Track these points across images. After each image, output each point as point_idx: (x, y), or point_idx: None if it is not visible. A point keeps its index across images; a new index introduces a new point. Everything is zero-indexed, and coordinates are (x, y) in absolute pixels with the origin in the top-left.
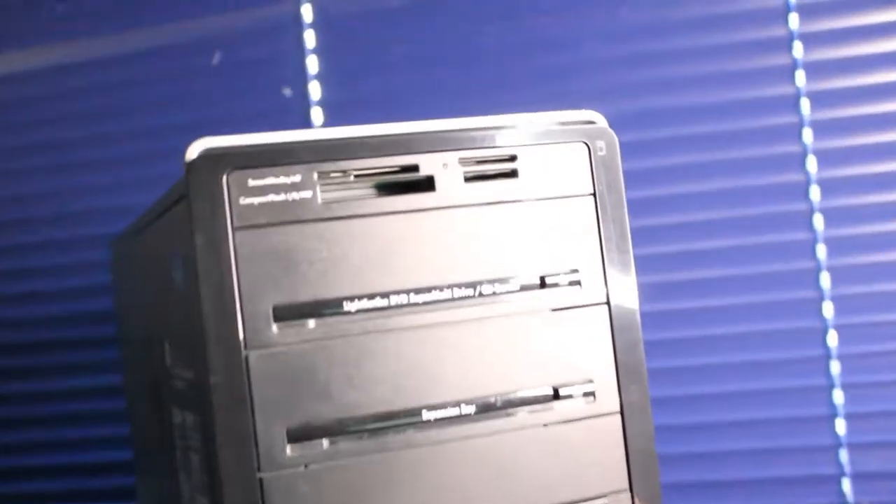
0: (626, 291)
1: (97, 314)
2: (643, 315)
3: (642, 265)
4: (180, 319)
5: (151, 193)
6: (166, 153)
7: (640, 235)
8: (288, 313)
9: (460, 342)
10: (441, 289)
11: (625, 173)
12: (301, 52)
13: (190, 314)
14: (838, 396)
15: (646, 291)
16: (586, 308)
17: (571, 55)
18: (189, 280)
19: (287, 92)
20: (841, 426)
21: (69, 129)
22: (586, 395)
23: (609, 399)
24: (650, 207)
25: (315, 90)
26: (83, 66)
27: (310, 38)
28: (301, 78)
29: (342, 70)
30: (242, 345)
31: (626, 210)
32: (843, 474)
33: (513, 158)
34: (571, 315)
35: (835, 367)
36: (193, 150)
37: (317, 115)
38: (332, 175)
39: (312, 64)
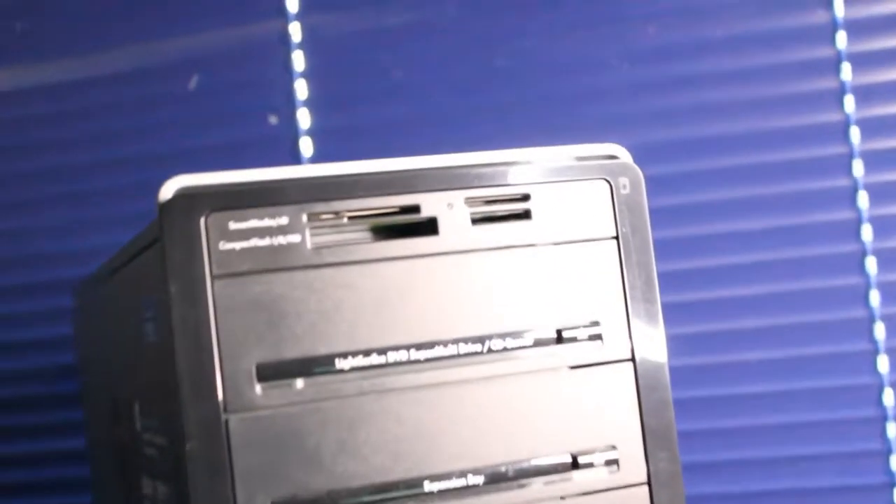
0: (654, 346)
1: (57, 369)
2: (672, 371)
3: (671, 316)
4: (152, 378)
5: (121, 235)
6: (137, 189)
7: (668, 282)
8: (273, 372)
9: (467, 404)
10: (445, 344)
11: (651, 213)
12: (289, 75)
13: (163, 372)
14: None
15: (675, 345)
16: (608, 365)
17: (591, 80)
18: (162, 333)
19: (273, 120)
20: None
21: (27, 160)
22: (609, 463)
23: (635, 468)
24: (679, 250)
25: (304, 118)
26: (45, 91)
27: (298, 60)
28: (289, 104)
29: (334, 96)
30: (222, 407)
31: (652, 254)
32: None
33: (526, 198)
34: (592, 373)
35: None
36: (168, 189)
37: (306, 145)
38: (324, 217)
39: (301, 89)
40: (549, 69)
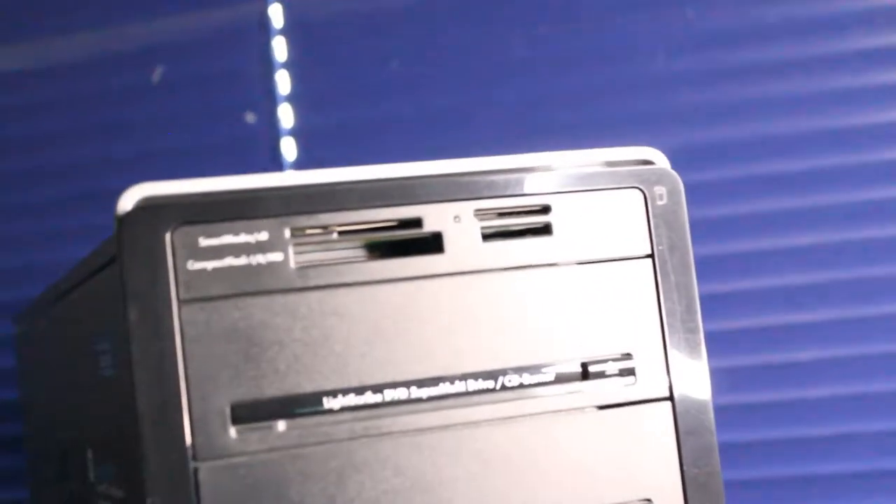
0: (696, 382)
1: None
2: (717, 412)
3: (715, 346)
4: (108, 419)
5: (72, 252)
6: (91, 199)
7: (711, 307)
8: (250, 413)
9: (477, 451)
10: (452, 380)
11: (692, 226)
12: (268, 66)
13: (121, 413)
14: None
15: (720, 381)
16: (643, 405)
17: (622, 73)
18: (120, 368)
19: (250, 118)
20: None
21: None
22: None
23: None
24: (724, 270)
25: (286, 116)
26: None
27: (280, 49)
28: (268, 100)
29: (321, 90)
30: (190, 454)
31: (693, 275)
32: None
33: (545, 210)
34: (623, 414)
35: None
36: (128, 200)
37: (289, 148)
38: (310, 232)
39: (283, 82)
40: (572, 60)
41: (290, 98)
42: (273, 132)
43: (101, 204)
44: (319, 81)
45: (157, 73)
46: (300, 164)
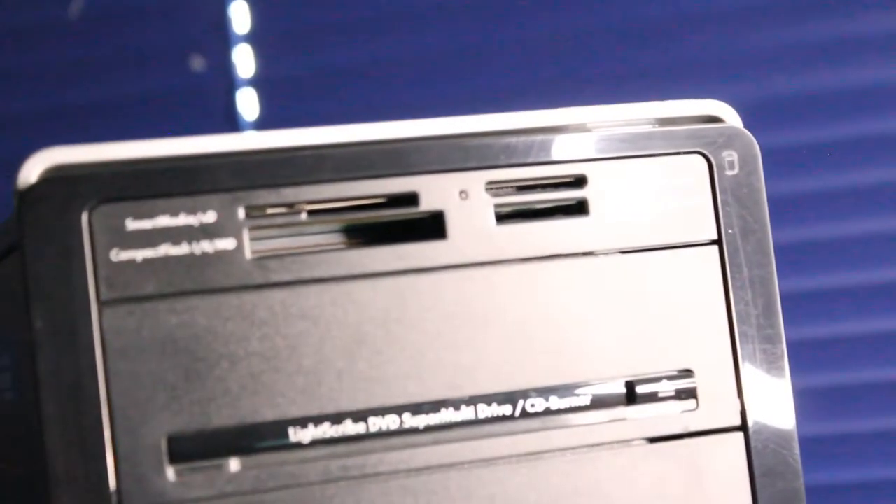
0: (776, 407)
1: None
2: (804, 444)
3: (800, 361)
4: (10, 455)
5: None
6: None
7: (794, 310)
8: (193, 448)
9: (490, 496)
10: (457, 405)
11: (771, 203)
12: None
13: (25, 447)
14: None
15: (806, 405)
16: (707, 437)
17: (675, 4)
18: (23, 390)
19: (196, 64)
20: None
21: None
22: None
23: None
24: (813, 261)
25: (243, 61)
26: None
27: None
28: (220, 41)
29: (288, 27)
30: (115, 500)
31: (773, 268)
32: None
33: (580, 182)
34: (681, 449)
35: None
36: (31, 169)
37: (246, 102)
38: (271, 212)
39: (239, 17)
40: None
41: (249, 38)
42: (225, 82)
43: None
44: (286, 16)
45: (75, 4)
46: (261, 123)
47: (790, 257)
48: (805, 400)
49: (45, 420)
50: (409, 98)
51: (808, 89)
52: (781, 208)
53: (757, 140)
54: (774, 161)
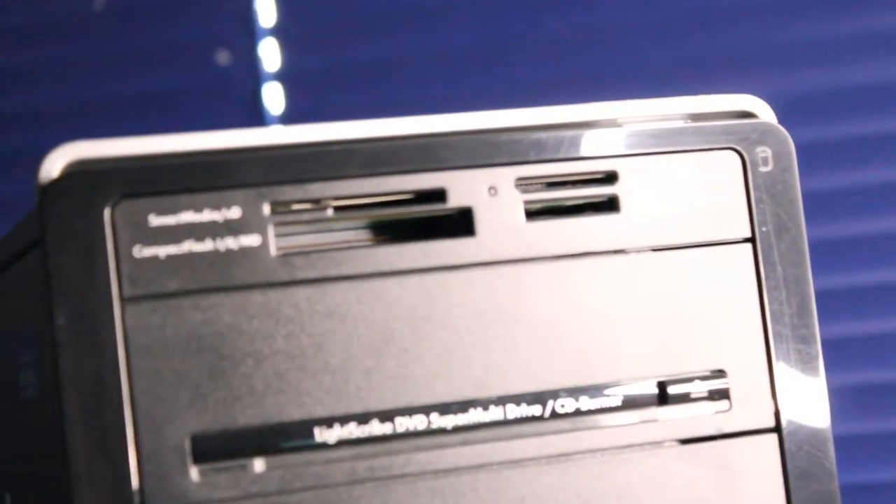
0: (811, 407)
1: None
2: (839, 444)
3: (834, 360)
4: (31, 454)
5: None
6: (10, 161)
7: (829, 308)
8: (217, 447)
9: (519, 498)
10: (485, 405)
11: (806, 200)
12: None
13: (48, 446)
14: None
15: (841, 404)
16: (740, 439)
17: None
18: (46, 388)
19: (222, 58)
20: None
21: None
22: None
23: None
24: (847, 256)
25: (269, 55)
26: None
27: None
28: (246, 35)
29: (315, 21)
30: (137, 501)
31: (808, 266)
32: None
33: (610, 178)
34: (714, 451)
35: None
36: (53, 163)
37: (272, 96)
38: (296, 208)
39: (265, 10)
40: None
41: (275, 31)
42: (251, 76)
43: (22, 168)
44: (312, 10)
45: (100, 0)
46: (287, 117)
47: (821, 255)
48: (837, 399)
49: (67, 418)
50: (436, 92)
51: (841, 86)
52: (815, 205)
53: (791, 136)
54: (808, 157)
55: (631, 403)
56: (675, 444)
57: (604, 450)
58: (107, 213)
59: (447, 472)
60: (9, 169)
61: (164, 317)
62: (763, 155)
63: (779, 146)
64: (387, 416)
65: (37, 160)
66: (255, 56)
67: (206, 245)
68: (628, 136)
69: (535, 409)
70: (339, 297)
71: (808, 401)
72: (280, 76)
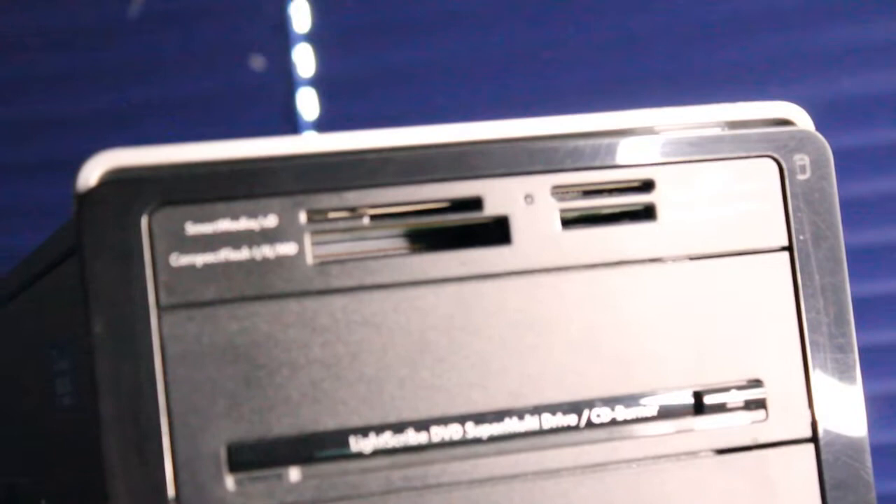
0: (848, 417)
1: None
2: (876, 453)
3: (871, 368)
4: (66, 462)
5: (20, 240)
6: (47, 168)
7: (865, 316)
8: (253, 456)
9: None
10: (521, 415)
11: (843, 208)
12: None
13: (83, 453)
14: None
15: (878, 412)
16: (777, 449)
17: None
18: (81, 395)
19: (256, 63)
20: None
21: None
22: None
23: None
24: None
25: (304, 61)
26: None
27: None
28: (280, 40)
29: (349, 26)
30: None
31: (846, 275)
32: None
33: (647, 187)
34: (750, 461)
35: None
36: (91, 171)
37: (306, 103)
38: (333, 216)
39: (299, 16)
40: None
41: (309, 37)
42: (285, 82)
43: (60, 175)
44: (346, 15)
45: (135, 4)
46: (321, 125)
47: (858, 263)
48: (875, 408)
49: (103, 426)
50: (471, 99)
51: (880, 92)
52: (852, 213)
53: (829, 143)
54: (846, 164)
55: (667, 413)
56: (711, 454)
57: (639, 460)
58: (144, 221)
59: (482, 481)
60: (46, 175)
61: (201, 325)
62: (801, 163)
63: (816, 154)
64: (422, 425)
65: (71, 166)
66: (290, 62)
67: (243, 253)
68: (665, 144)
69: (571, 419)
70: (375, 306)
71: (845, 411)
72: (314, 82)
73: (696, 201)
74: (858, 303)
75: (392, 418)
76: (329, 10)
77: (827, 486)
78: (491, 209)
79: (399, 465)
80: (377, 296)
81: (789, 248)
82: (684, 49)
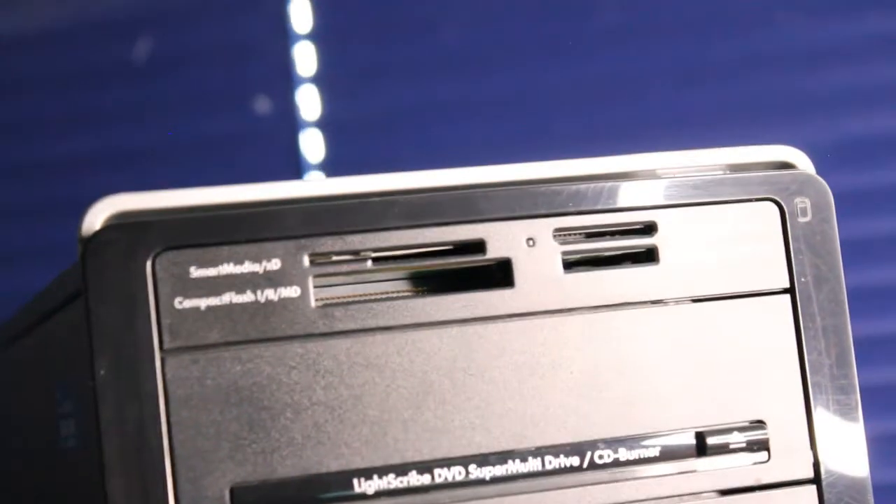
0: (850, 458)
1: None
2: (878, 493)
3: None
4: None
5: (23, 284)
6: (49, 212)
7: (866, 356)
8: (256, 499)
9: None
10: (524, 457)
11: (844, 249)
12: (285, 37)
13: (88, 498)
14: None
15: (879, 452)
16: (779, 490)
17: (743, 43)
18: (85, 438)
19: (260, 105)
20: None
21: None
22: None
23: None
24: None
25: (308, 103)
26: None
27: (300, 15)
28: (284, 81)
29: (353, 68)
30: None
31: (847, 317)
32: None
33: (649, 229)
34: (754, 502)
35: None
36: (96, 215)
37: (310, 146)
38: (336, 259)
39: (304, 56)
40: (679, 25)
41: (314, 79)
42: (289, 124)
43: (66, 216)
44: (351, 57)
45: (139, 48)
46: (326, 167)
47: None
48: (876, 448)
49: (107, 469)
50: (475, 141)
51: (880, 134)
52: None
53: (830, 186)
54: (847, 206)
55: (669, 454)
56: (713, 495)
57: (642, 501)
58: (148, 264)
59: None
60: (50, 216)
61: (205, 368)
62: (802, 206)
63: (817, 197)
64: (425, 467)
65: (73, 207)
66: (294, 104)
67: (247, 296)
68: (667, 187)
69: (574, 460)
70: (378, 349)
71: (847, 451)
72: (319, 124)
73: (698, 244)
74: (861, 341)
75: (395, 460)
76: (334, 52)
77: None
78: (493, 252)
79: None
80: (380, 338)
81: (791, 290)
82: (688, 88)
